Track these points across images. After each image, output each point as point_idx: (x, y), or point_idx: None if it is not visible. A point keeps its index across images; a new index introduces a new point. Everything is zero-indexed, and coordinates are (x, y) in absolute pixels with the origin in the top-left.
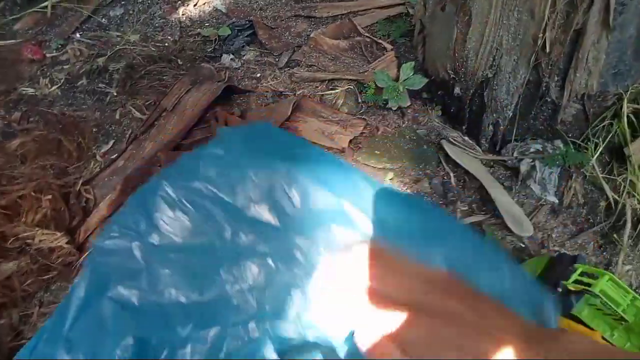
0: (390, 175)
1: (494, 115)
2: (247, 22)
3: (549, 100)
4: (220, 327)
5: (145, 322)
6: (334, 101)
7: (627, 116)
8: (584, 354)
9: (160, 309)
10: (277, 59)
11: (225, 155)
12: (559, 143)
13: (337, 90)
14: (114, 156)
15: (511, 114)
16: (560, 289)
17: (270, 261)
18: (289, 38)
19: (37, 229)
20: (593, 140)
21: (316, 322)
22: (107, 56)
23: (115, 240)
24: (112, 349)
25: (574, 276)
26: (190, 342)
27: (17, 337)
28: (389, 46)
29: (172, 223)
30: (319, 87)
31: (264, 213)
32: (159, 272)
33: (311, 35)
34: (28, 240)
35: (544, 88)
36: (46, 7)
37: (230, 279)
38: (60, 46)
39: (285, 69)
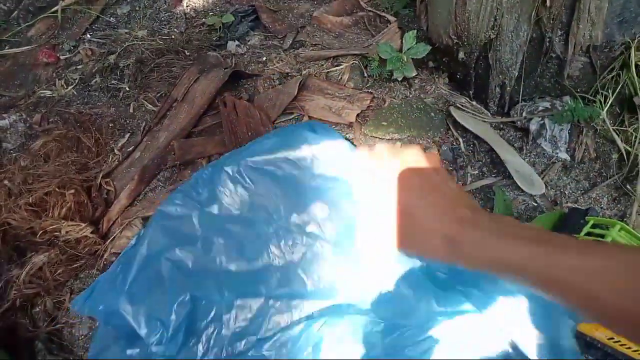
0: (399, 145)
1: (500, 76)
2: (249, 7)
3: (553, 56)
4: (265, 298)
5: (198, 284)
6: (339, 77)
7: (636, 65)
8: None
9: (211, 274)
10: (281, 42)
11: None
12: (567, 99)
13: (342, 67)
14: (131, 148)
15: (517, 74)
16: None
17: (318, 243)
18: (292, 19)
19: (63, 221)
20: (602, 93)
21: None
22: (117, 53)
23: (178, 207)
24: (171, 304)
25: (586, 229)
26: (236, 309)
27: (52, 322)
28: (392, 18)
29: (232, 196)
30: (325, 65)
31: (318, 199)
32: (213, 239)
33: (314, 15)
34: (56, 233)
35: (547, 44)
36: (57, 11)
37: (278, 254)
38: (72, 48)
39: (290, 51)
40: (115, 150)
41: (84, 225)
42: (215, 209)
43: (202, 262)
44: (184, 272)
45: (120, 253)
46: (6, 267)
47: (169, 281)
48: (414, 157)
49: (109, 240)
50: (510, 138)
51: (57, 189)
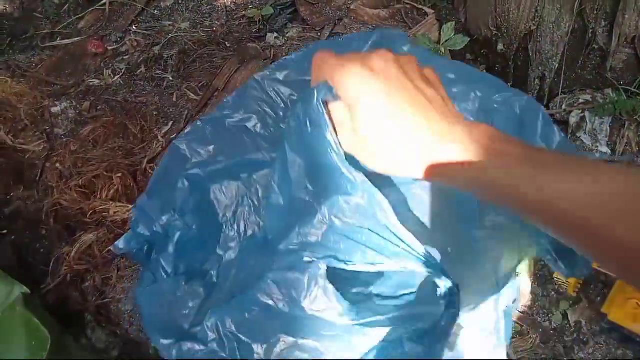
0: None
1: (540, 68)
2: (288, 0)
3: (596, 47)
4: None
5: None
6: None
7: None
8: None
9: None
10: (319, 34)
11: None
12: (609, 92)
13: None
14: (174, 135)
15: (557, 66)
16: None
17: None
18: (330, 12)
19: (111, 203)
20: None
21: None
22: (161, 44)
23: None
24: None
25: None
26: (243, 220)
27: (101, 296)
28: (430, 10)
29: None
30: None
31: None
32: (228, 147)
33: (351, 7)
34: (104, 214)
35: (590, 35)
36: (105, 4)
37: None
38: (119, 39)
39: None
40: (159, 137)
41: (130, 206)
42: (240, 120)
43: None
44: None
45: None
46: (58, 244)
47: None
48: (384, 62)
49: None
50: (546, 130)
51: (105, 173)
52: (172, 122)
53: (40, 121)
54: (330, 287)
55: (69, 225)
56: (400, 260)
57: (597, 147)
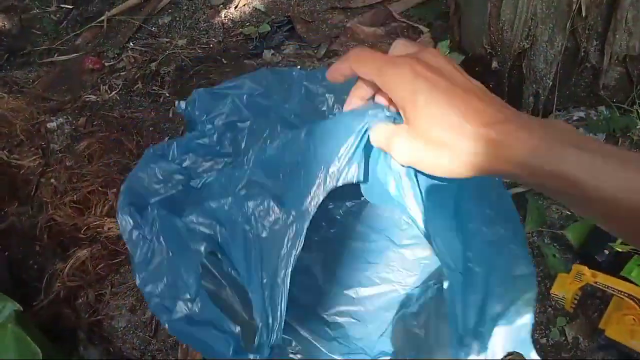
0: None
1: (534, 86)
2: (285, 18)
3: (589, 65)
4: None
5: None
6: None
7: None
8: None
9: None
10: (315, 51)
11: None
12: (602, 109)
13: None
14: None
15: (551, 83)
16: (607, 251)
17: None
18: (326, 30)
19: (105, 218)
20: (639, 103)
21: None
22: (158, 61)
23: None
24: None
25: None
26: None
27: (94, 313)
28: (425, 29)
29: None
30: None
31: None
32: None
33: (347, 25)
34: (98, 230)
35: (582, 54)
36: (102, 21)
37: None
38: (116, 55)
39: (324, 59)
40: None
41: None
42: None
43: None
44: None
45: None
46: (51, 261)
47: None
48: (435, 58)
49: None
50: None
51: (100, 188)
52: (167, 137)
53: (35, 136)
54: None
55: (62, 241)
56: None
57: None
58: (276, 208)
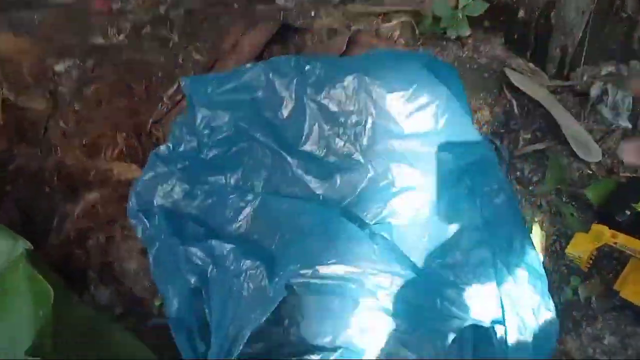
0: None
1: (562, 38)
2: None
3: (624, 16)
4: None
5: None
6: (390, 34)
7: None
8: None
9: None
10: None
11: None
12: (635, 64)
13: (393, 23)
14: (179, 97)
15: (581, 35)
16: (628, 212)
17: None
18: None
19: (115, 162)
20: None
21: None
22: (167, 3)
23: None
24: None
25: None
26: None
27: (105, 254)
28: None
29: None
30: (375, 22)
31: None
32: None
33: None
34: (108, 173)
35: (618, 2)
36: None
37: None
38: None
39: (340, 6)
40: (165, 99)
41: (135, 166)
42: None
43: None
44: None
45: None
46: (61, 203)
47: None
48: None
49: None
50: (568, 103)
51: (109, 132)
52: (177, 84)
53: (43, 79)
54: None
55: (72, 184)
56: None
57: (618, 120)
58: (265, 275)
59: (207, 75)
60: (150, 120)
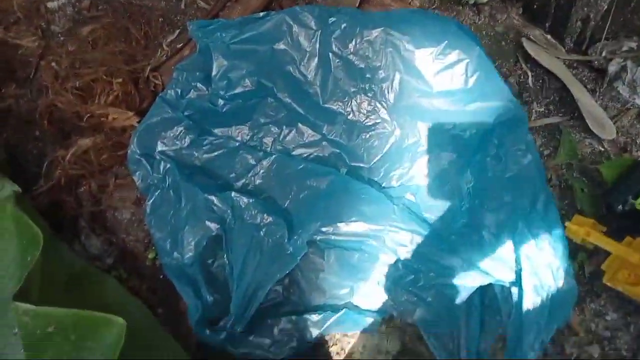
0: None
1: (585, 9)
2: None
3: None
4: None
5: None
6: None
7: None
8: None
9: None
10: None
11: None
12: None
13: None
14: (180, 45)
15: (606, 7)
16: (625, 207)
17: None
18: None
19: (110, 108)
20: None
21: None
22: None
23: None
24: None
25: None
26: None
27: (97, 204)
28: None
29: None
30: None
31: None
32: None
33: None
34: (102, 119)
35: None
36: None
37: None
38: None
39: None
40: (164, 46)
41: (131, 113)
42: None
43: None
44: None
45: None
46: (51, 147)
47: None
48: None
49: None
50: (583, 78)
51: (104, 77)
52: (178, 30)
53: (35, 16)
54: None
55: (63, 128)
56: None
57: (634, 99)
58: (285, 232)
59: (218, 20)
60: (149, 68)
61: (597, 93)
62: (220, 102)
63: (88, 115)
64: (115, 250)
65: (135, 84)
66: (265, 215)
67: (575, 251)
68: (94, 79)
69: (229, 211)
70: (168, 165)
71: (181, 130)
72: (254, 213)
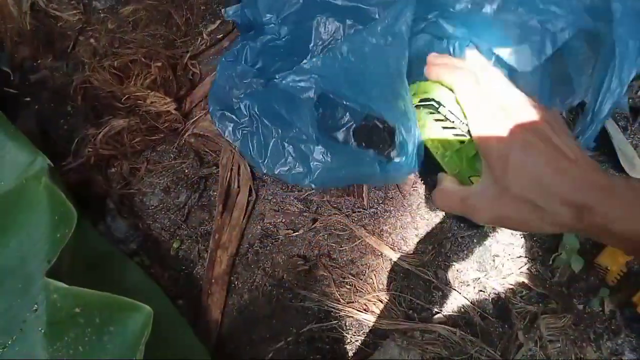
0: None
1: None
2: None
3: None
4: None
5: None
6: None
7: None
8: None
9: None
10: None
11: None
12: None
13: None
14: (220, 36)
15: None
16: None
17: None
18: None
19: (148, 91)
20: None
21: None
22: None
23: None
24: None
25: None
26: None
27: (126, 185)
28: None
29: None
30: None
31: None
32: None
33: None
34: (139, 102)
35: None
36: None
37: None
38: None
39: None
40: (204, 34)
41: (169, 99)
42: None
43: None
44: None
45: (201, 135)
46: (83, 124)
47: None
48: (526, 111)
49: (190, 121)
50: (616, 115)
51: (142, 59)
52: (219, 21)
53: None
54: None
55: (97, 107)
56: None
57: None
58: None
59: None
60: (188, 55)
61: (628, 130)
62: (275, 35)
63: (125, 96)
64: (140, 235)
65: (174, 70)
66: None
67: (596, 287)
68: (132, 60)
69: (314, 75)
70: (250, 104)
71: (250, 79)
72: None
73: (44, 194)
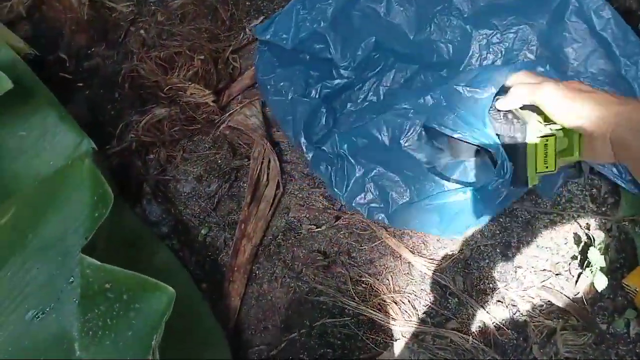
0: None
1: None
2: None
3: None
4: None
5: (381, 32)
6: None
7: None
8: None
9: (389, 30)
10: None
11: None
12: None
13: None
14: None
15: None
16: None
17: None
18: None
19: (189, 83)
20: None
21: None
22: None
23: None
24: (360, 42)
25: None
26: (395, 70)
27: (163, 172)
28: None
29: None
30: None
31: None
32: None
33: None
34: (180, 92)
35: None
36: None
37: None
38: None
39: None
40: (247, 30)
41: (208, 92)
42: None
43: (384, 19)
44: (372, 19)
45: (236, 128)
46: (128, 111)
47: (359, 23)
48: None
49: (227, 114)
50: None
51: (187, 52)
52: (263, 17)
53: None
54: (424, 133)
55: (142, 95)
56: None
57: None
58: None
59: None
60: (230, 49)
61: None
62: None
63: (169, 86)
64: (172, 220)
65: (215, 63)
66: None
67: (623, 308)
68: (177, 52)
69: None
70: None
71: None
72: None
73: (87, 175)
